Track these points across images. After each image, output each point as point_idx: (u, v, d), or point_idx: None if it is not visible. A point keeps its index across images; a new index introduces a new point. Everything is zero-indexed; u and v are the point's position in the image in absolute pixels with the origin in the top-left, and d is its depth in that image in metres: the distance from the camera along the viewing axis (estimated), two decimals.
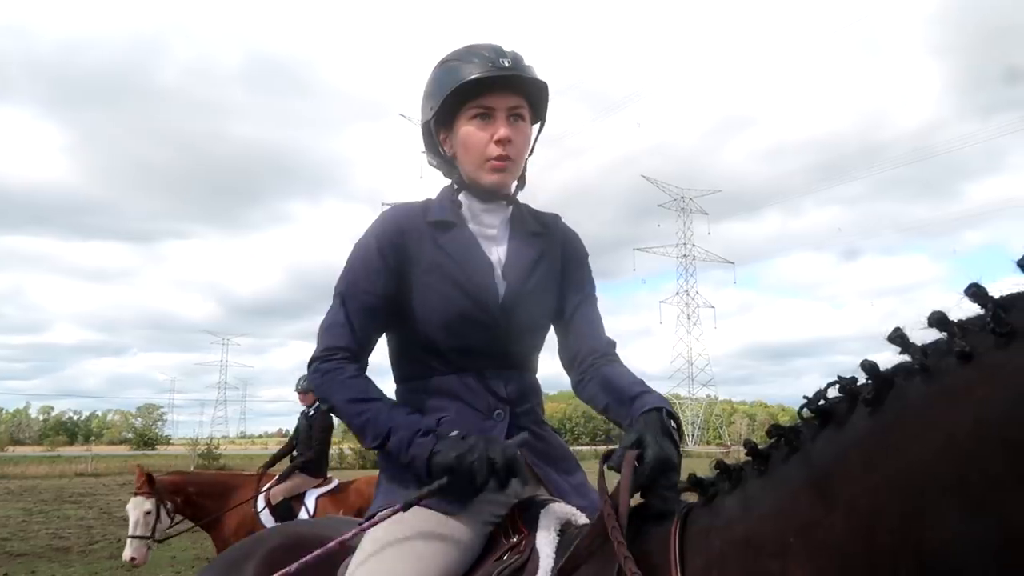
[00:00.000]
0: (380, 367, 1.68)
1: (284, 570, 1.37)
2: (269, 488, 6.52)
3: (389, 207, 1.71)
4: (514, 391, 1.63)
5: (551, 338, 1.77)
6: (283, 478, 6.67)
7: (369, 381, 1.58)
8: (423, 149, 1.78)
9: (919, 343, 0.94)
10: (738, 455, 1.24)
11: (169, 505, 6.20)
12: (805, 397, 1.07)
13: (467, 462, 1.37)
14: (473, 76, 1.57)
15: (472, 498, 1.47)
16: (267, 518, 6.35)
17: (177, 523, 6.38)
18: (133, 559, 6.09)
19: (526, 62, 1.64)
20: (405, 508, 1.40)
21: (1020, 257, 0.84)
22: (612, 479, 1.31)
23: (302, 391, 7.10)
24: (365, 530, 1.49)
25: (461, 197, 1.70)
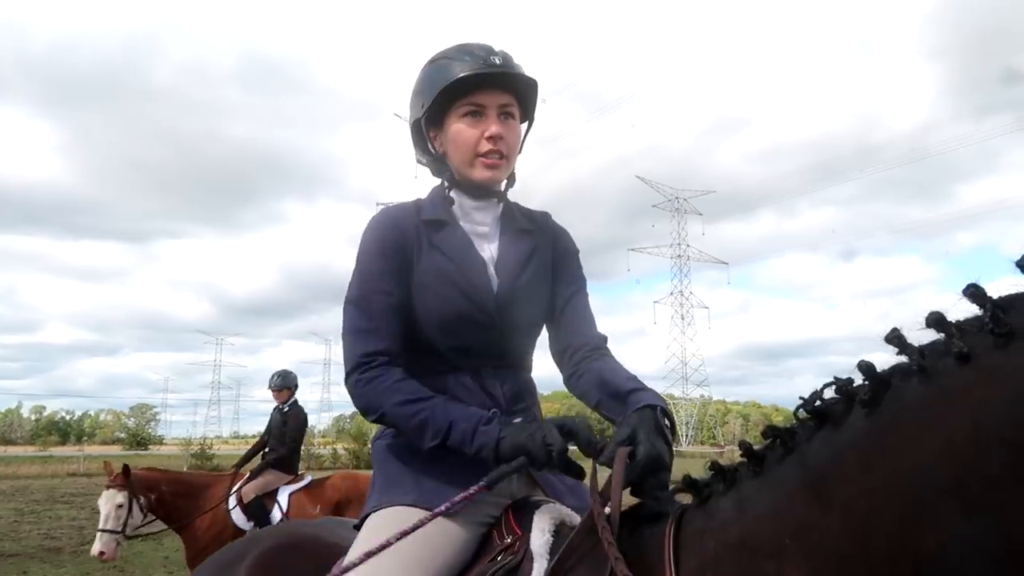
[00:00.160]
0: None
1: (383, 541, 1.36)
2: (241, 487, 6.42)
3: (382, 209, 1.70)
4: (510, 390, 1.64)
5: (544, 338, 1.77)
6: (255, 475, 6.58)
7: (416, 382, 1.54)
8: (415, 151, 1.78)
9: (915, 344, 0.93)
10: (732, 455, 1.23)
11: (142, 500, 6.05)
12: (801, 398, 1.06)
13: (539, 438, 1.36)
14: (465, 73, 1.57)
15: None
16: (238, 516, 6.27)
17: (149, 522, 6.23)
18: (102, 553, 5.91)
19: (516, 61, 1.65)
20: (489, 485, 1.38)
21: (1020, 258, 0.84)
22: (606, 478, 1.30)
23: (276, 388, 7.05)
24: (424, 524, 1.40)
25: (452, 194, 1.70)
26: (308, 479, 6.83)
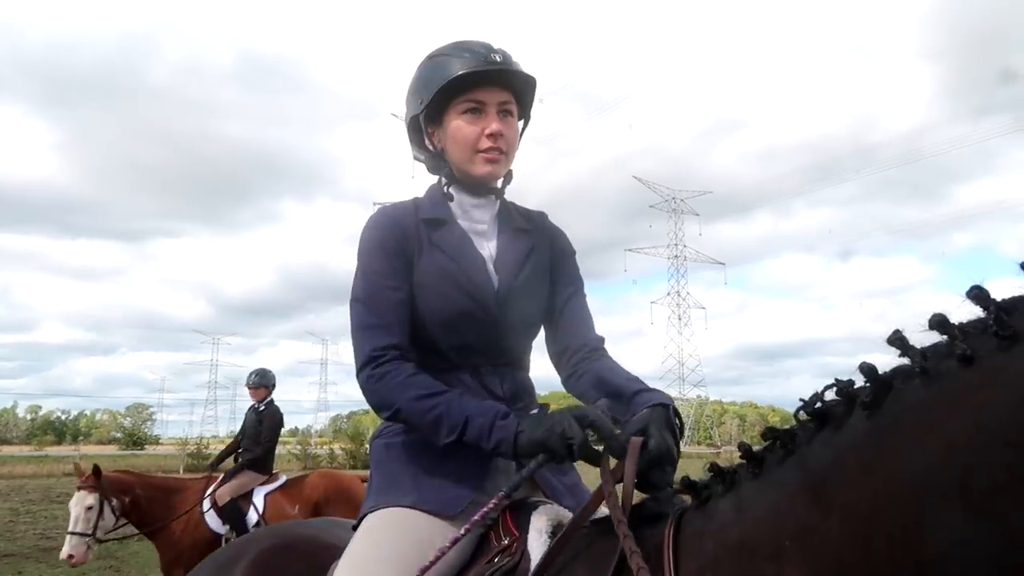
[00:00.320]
0: None
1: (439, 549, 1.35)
2: (215, 489, 6.30)
3: (380, 208, 1.70)
4: (509, 389, 1.64)
5: (541, 339, 1.77)
6: (229, 477, 6.46)
7: (428, 376, 1.52)
8: (411, 148, 1.78)
9: (917, 346, 0.92)
10: (730, 456, 1.23)
11: (115, 502, 5.90)
12: (802, 399, 1.06)
13: (557, 433, 1.34)
14: (467, 70, 1.57)
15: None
16: (213, 519, 6.15)
17: (121, 525, 6.09)
18: (71, 557, 5.74)
19: (515, 59, 1.65)
20: (509, 493, 1.37)
21: None
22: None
23: (253, 386, 6.95)
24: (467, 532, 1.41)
25: (451, 191, 1.70)
26: (283, 479, 6.72)
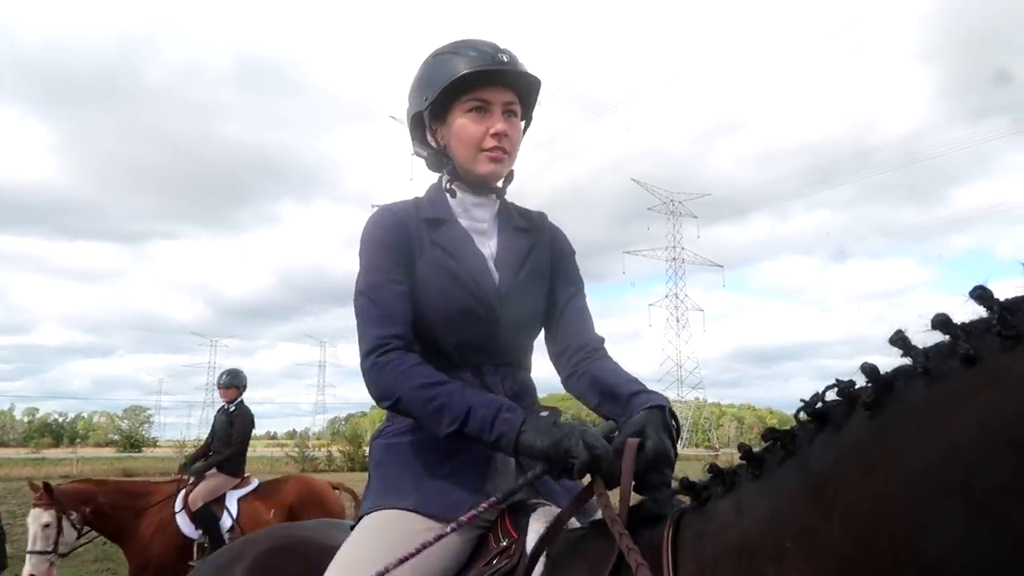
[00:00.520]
0: None
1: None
2: (187, 492, 6.19)
3: (381, 207, 1.70)
4: (511, 388, 1.64)
5: (541, 339, 1.77)
6: (200, 479, 6.33)
7: (432, 367, 1.51)
8: (412, 144, 1.77)
9: (919, 346, 0.92)
10: (730, 458, 1.22)
11: (74, 515, 5.74)
12: (802, 400, 1.05)
13: (563, 448, 1.31)
14: (475, 68, 1.58)
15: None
16: (185, 523, 6.05)
17: (86, 536, 5.94)
18: None
19: (520, 59, 1.66)
20: (503, 501, 1.36)
21: None
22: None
23: (224, 386, 6.89)
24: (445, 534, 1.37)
25: (453, 187, 1.70)
26: (255, 483, 6.62)
